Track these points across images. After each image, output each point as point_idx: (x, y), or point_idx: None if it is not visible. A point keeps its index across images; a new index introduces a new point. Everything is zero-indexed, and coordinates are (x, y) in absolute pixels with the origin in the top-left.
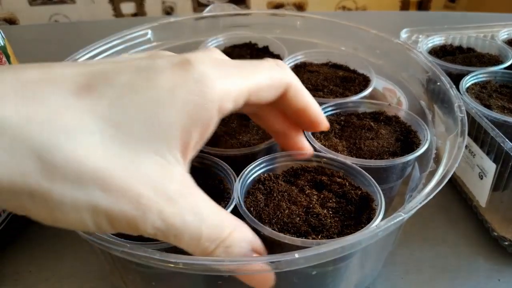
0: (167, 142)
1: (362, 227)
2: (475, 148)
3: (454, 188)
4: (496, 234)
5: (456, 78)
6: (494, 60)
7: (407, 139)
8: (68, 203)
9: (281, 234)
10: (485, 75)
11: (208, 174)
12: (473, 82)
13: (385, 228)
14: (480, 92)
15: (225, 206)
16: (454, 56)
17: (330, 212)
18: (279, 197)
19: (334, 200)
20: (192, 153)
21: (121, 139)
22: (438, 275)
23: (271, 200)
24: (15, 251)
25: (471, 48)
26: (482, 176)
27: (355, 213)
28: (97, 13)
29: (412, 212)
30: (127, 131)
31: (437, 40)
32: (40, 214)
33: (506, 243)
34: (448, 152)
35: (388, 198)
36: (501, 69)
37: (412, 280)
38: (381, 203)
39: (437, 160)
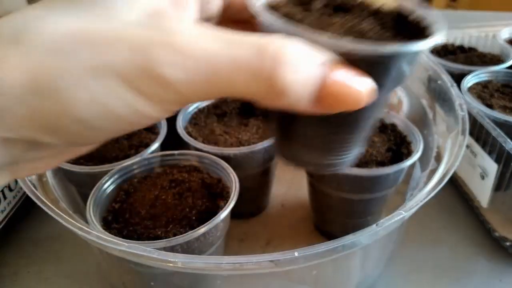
0: None
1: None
2: (477, 148)
3: (456, 188)
4: (497, 234)
5: (458, 78)
6: (496, 59)
7: (399, 149)
8: (67, 77)
9: (349, 41)
10: (486, 74)
11: (207, 173)
12: (474, 81)
13: (386, 226)
14: (481, 91)
15: (224, 205)
16: (456, 55)
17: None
18: (302, 19)
19: (370, 21)
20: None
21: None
22: (440, 275)
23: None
24: (14, 251)
25: (472, 47)
26: (483, 176)
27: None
28: None
29: (413, 210)
30: None
31: None
32: (56, 113)
33: (508, 243)
34: (449, 151)
35: (379, 206)
36: (503, 68)
37: (414, 280)
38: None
39: (438, 159)
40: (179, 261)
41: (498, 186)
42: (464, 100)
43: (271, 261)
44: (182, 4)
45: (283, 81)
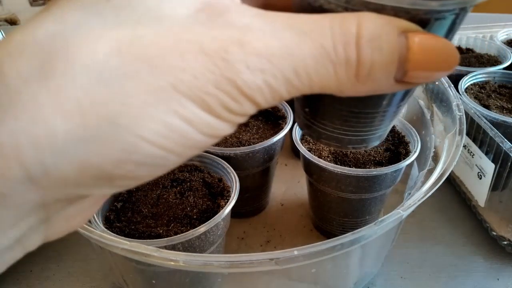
0: None
1: None
2: (474, 148)
3: (453, 188)
4: (495, 233)
5: (455, 79)
6: (493, 60)
7: (397, 149)
8: (127, 111)
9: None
10: (484, 75)
11: (208, 173)
12: (472, 82)
13: (384, 225)
14: (479, 92)
15: (225, 204)
16: None
17: None
18: None
19: None
20: None
21: None
22: (437, 274)
23: None
24: None
25: (470, 48)
26: (481, 176)
27: None
28: None
29: (411, 209)
30: None
31: None
32: (116, 160)
33: (505, 242)
34: (447, 151)
35: (377, 205)
36: (500, 69)
37: (411, 279)
38: None
39: (436, 159)
40: (180, 259)
41: (495, 185)
42: (461, 101)
43: (271, 259)
44: None
45: (370, 64)
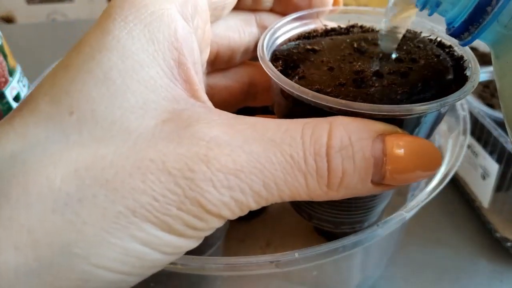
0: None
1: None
2: (478, 148)
3: (457, 188)
4: (498, 235)
5: None
6: None
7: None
8: (84, 240)
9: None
10: (487, 74)
11: None
12: None
13: (387, 227)
14: (482, 91)
15: None
16: None
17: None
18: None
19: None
20: (197, 72)
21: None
22: (440, 276)
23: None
24: None
25: (473, 47)
26: (484, 176)
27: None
28: (96, 11)
29: (414, 211)
30: None
31: None
32: None
33: (509, 244)
34: (450, 151)
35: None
36: None
37: (414, 282)
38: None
39: None
40: (178, 262)
41: (500, 186)
42: (465, 100)
43: (271, 262)
44: (192, 81)
45: (341, 173)
